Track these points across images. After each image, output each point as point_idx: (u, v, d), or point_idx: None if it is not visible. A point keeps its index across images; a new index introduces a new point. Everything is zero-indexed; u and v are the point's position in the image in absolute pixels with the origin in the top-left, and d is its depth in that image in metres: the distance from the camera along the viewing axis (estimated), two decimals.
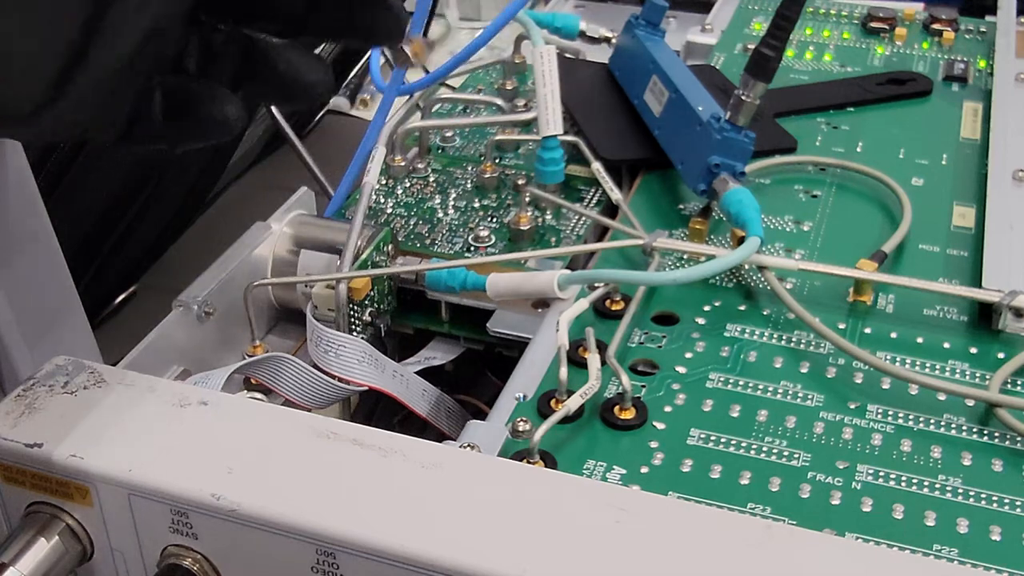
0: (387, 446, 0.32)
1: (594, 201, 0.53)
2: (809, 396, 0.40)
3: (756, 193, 0.47)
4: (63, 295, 0.53)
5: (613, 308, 0.44)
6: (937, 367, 0.42)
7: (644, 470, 0.37)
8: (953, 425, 0.39)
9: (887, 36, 0.66)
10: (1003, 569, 0.33)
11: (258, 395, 0.41)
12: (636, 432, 0.39)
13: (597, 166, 0.52)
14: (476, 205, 0.53)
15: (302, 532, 0.30)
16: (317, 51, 0.68)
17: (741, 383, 0.41)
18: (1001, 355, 0.42)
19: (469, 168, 0.56)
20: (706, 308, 0.45)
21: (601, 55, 0.62)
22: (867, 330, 0.43)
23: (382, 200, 0.53)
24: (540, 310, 0.46)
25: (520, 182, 0.53)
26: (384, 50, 0.59)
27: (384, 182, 0.54)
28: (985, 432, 0.39)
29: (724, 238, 0.49)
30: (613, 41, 0.63)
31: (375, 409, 0.47)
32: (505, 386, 0.42)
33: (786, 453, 0.38)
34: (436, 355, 0.48)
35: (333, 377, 0.42)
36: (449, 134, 0.58)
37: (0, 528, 0.34)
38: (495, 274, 0.45)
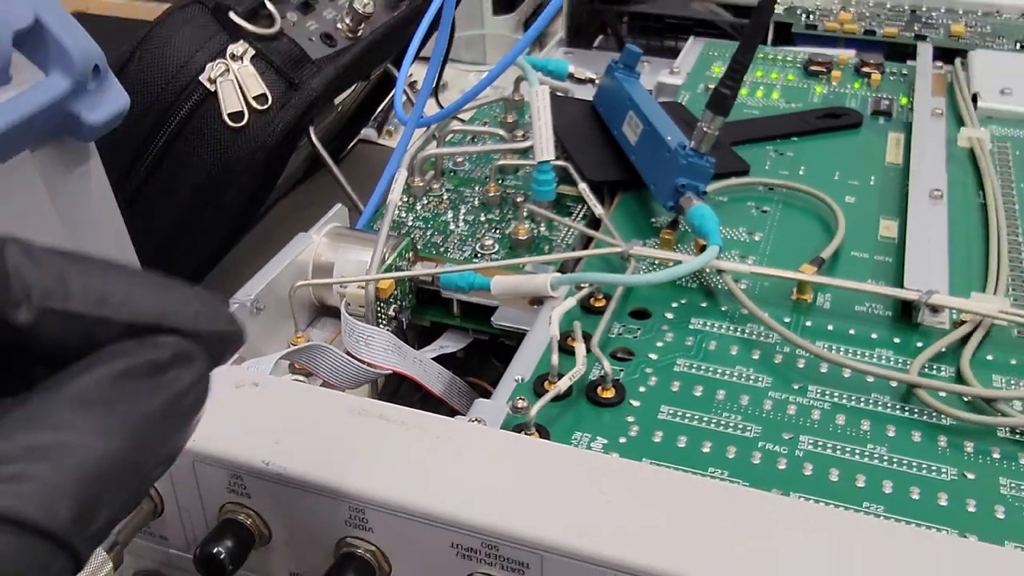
0: (408, 420, 0.32)
1: (581, 215, 0.53)
2: (760, 378, 0.40)
3: (715, 209, 0.47)
4: None
5: (596, 305, 0.44)
6: (866, 354, 0.42)
7: (622, 440, 0.37)
8: (879, 403, 0.39)
9: (824, 77, 0.66)
10: (921, 523, 0.33)
11: (300, 378, 0.41)
12: (615, 409, 0.39)
13: (583, 186, 0.52)
14: (482, 219, 0.53)
15: (337, 492, 0.30)
16: (349, 91, 0.68)
17: (703, 367, 0.41)
18: (919, 344, 0.42)
19: (476, 188, 0.56)
20: (674, 305, 0.45)
21: (586, 93, 0.62)
22: (808, 323, 0.43)
23: (404, 215, 0.53)
24: (536, 306, 0.46)
25: (519, 199, 0.53)
26: (406, 88, 0.59)
27: (406, 199, 0.54)
28: (906, 408, 0.39)
29: (689, 246, 0.49)
30: (596, 82, 0.63)
31: (398, 389, 0.47)
32: (506, 370, 0.42)
33: (740, 426, 0.38)
34: (449, 344, 0.48)
35: (363, 362, 0.42)
36: (460, 159, 0.58)
37: None
38: (498, 276, 0.45)
